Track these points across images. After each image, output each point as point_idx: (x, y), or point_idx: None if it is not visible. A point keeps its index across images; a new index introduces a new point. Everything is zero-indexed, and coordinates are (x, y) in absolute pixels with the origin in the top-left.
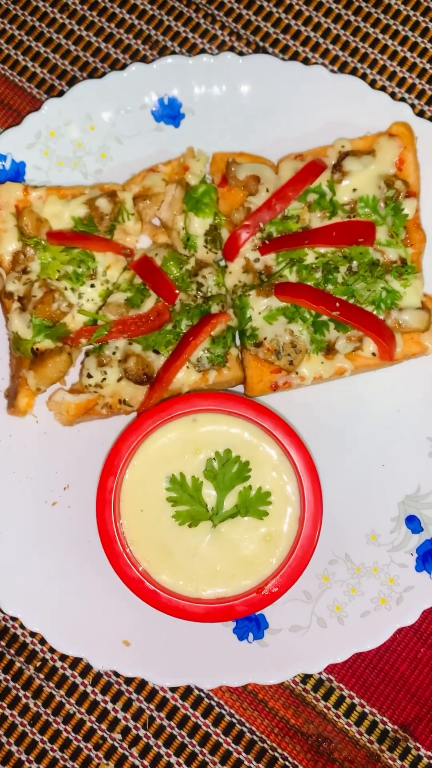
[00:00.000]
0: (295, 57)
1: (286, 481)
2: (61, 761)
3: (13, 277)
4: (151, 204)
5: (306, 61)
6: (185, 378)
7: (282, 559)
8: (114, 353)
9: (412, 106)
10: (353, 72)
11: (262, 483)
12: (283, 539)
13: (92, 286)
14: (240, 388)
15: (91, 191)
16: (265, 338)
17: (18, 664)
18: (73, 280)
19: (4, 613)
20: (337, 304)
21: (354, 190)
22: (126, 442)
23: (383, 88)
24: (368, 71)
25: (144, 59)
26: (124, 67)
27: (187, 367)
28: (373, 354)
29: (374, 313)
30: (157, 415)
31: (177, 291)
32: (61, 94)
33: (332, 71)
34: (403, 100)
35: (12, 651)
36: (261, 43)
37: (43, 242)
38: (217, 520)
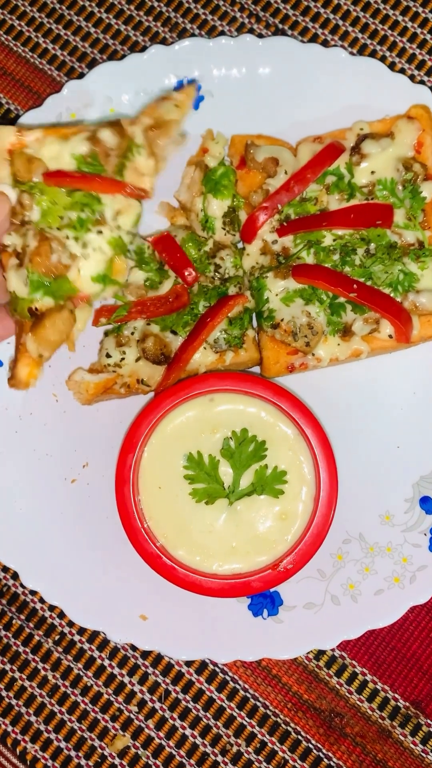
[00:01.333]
0: (314, 39)
1: (302, 460)
2: (79, 731)
3: (10, 230)
4: (161, 132)
5: (325, 44)
6: (202, 359)
7: (297, 537)
8: (132, 333)
9: None
10: (372, 54)
11: (278, 462)
12: (299, 518)
13: (99, 232)
14: (256, 370)
15: (94, 126)
16: (282, 320)
17: (37, 638)
18: (77, 228)
19: (24, 587)
20: (355, 286)
21: (372, 172)
22: (144, 421)
23: (402, 71)
24: (388, 54)
25: (164, 41)
26: (143, 49)
27: (204, 348)
28: (390, 336)
29: (391, 295)
30: (175, 395)
31: (192, 272)
32: (81, 76)
33: (351, 54)
34: (422, 82)
35: (31, 625)
36: (280, 26)
37: (39, 186)
38: (234, 498)
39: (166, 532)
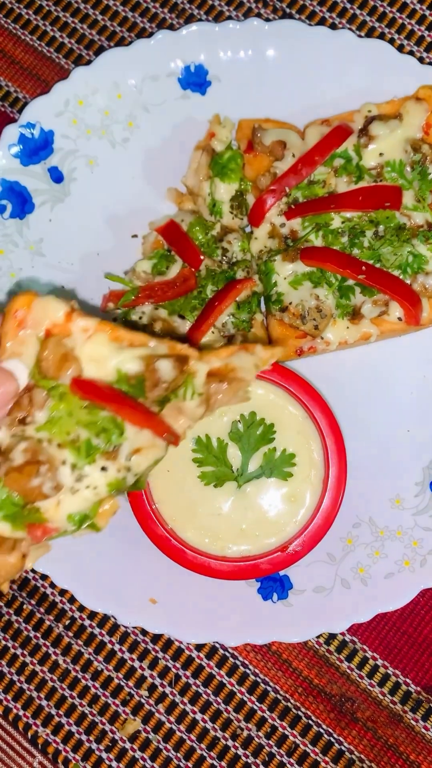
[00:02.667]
0: (322, 23)
1: (310, 443)
2: (90, 716)
3: (4, 423)
4: (227, 390)
5: (333, 27)
6: (210, 343)
7: (306, 519)
8: (141, 318)
9: None
10: (381, 37)
11: (286, 445)
12: (308, 500)
13: (104, 469)
14: None
15: (158, 345)
16: (290, 303)
17: (48, 623)
18: (81, 453)
19: (35, 572)
20: (364, 268)
21: (380, 154)
22: None
23: (411, 53)
24: (396, 36)
25: (171, 28)
26: (150, 35)
27: (212, 332)
28: (399, 319)
29: (400, 277)
30: None
31: (202, 257)
32: (89, 63)
33: (359, 36)
34: (431, 65)
35: (42, 610)
36: (287, 10)
37: (62, 389)
38: (242, 481)
39: (174, 514)
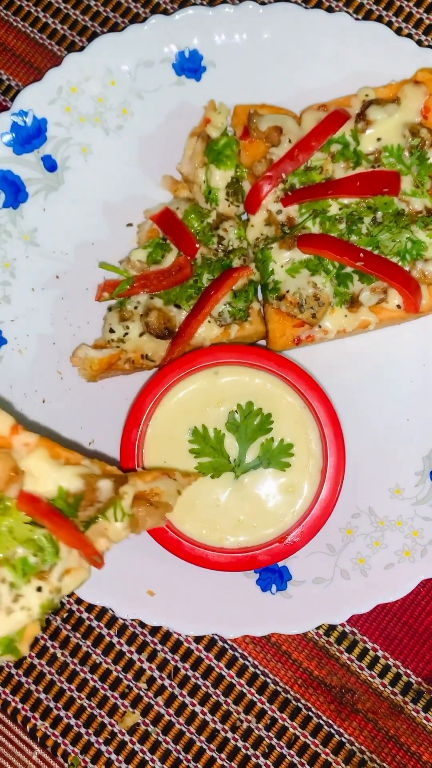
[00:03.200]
0: (318, 6)
1: (308, 432)
2: (89, 709)
3: None
4: (151, 512)
5: (330, 10)
6: (206, 332)
7: (304, 510)
8: (136, 308)
9: None
10: (378, 19)
11: (284, 435)
12: (306, 491)
13: (39, 589)
14: (262, 343)
15: (92, 465)
16: (287, 291)
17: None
18: (18, 571)
19: None
20: (362, 255)
21: (378, 139)
22: (149, 395)
23: (409, 36)
24: (394, 19)
25: (165, 12)
26: (144, 21)
27: (209, 322)
28: (398, 306)
29: (399, 264)
30: (180, 368)
31: (198, 245)
32: (82, 49)
33: (356, 19)
34: (430, 47)
35: None
36: None
37: (6, 502)
38: (240, 472)
39: None
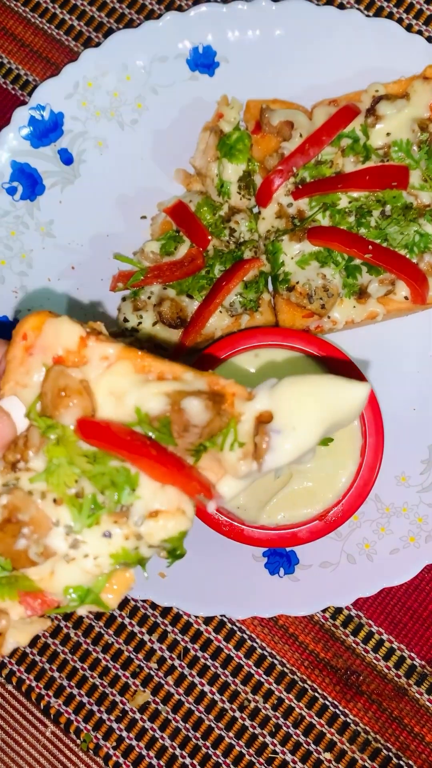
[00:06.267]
0: (329, 3)
1: None
2: (101, 687)
3: None
4: (277, 440)
5: (341, 7)
6: (218, 322)
7: (345, 488)
8: (149, 298)
9: None
10: (389, 17)
11: None
12: (347, 469)
13: (106, 535)
14: None
15: (194, 379)
16: (297, 282)
17: None
18: (82, 512)
19: None
20: (370, 247)
21: (388, 134)
22: None
23: (419, 32)
24: (404, 15)
25: (179, 9)
26: (159, 17)
27: (220, 312)
28: (406, 297)
29: (407, 256)
30: (221, 350)
31: (210, 237)
32: (98, 45)
33: (367, 16)
34: None
35: None
36: None
37: (60, 431)
38: None
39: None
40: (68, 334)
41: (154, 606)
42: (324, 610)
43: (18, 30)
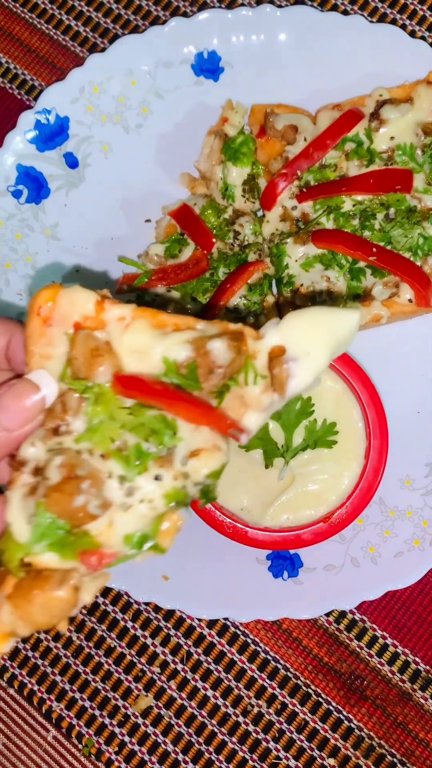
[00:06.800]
0: (334, 9)
1: (351, 414)
2: (103, 691)
3: (36, 437)
4: (295, 366)
5: (345, 13)
6: None
7: (349, 490)
8: (154, 300)
9: None
10: (392, 22)
11: (326, 416)
12: (351, 471)
13: (157, 478)
14: None
15: (207, 327)
16: (301, 285)
17: None
18: (130, 462)
19: None
20: (374, 250)
21: (391, 138)
22: None
23: (423, 38)
24: (408, 22)
25: (184, 15)
26: (164, 23)
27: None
28: (410, 300)
29: (411, 259)
30: None
31: (214, 240)
32: (103, 50)
33: (371, 21)
34: None
35: None
36: None
37: (98, 389)
38: (289, 457)
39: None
40: (83, 301)
41: (157, 609)
42: (328, 614)
43: (24, 35)
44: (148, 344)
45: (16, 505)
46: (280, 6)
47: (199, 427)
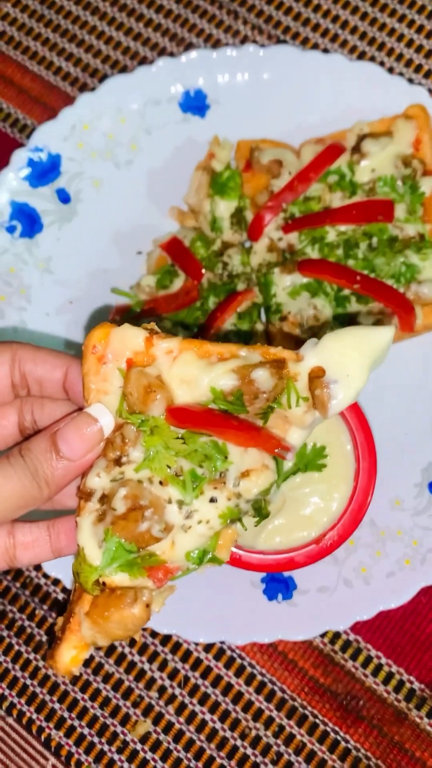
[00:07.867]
0: (315, 48)
1: (340, 438)
2: (101, 718)
3: (100, 468)
4: (336, 388)
5: (326, 52)
6: None
7: (340, 512)
8: None
9: (430, 90)
10: (371, 60)
11: (315, 439)
12: (341, 493)
13: (212, 500)
14: None
15: (249, 353)
16: (289, 312)
17: None
18: (187, 487)
19: (47, 576)
20: (358, 278)
21: (373, 170)
22: None
23: (400, 74)
24: (386, 59)
25: (171, 55)
26: (152, 63)
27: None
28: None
29: (394, 286)
30: None
31: (204, 270)
32: (93, 90)
33: (350, 59)
34: (419, 85)
35: (54, 614)
36: (282, 36)
37: (152, 422)
38: (280, 481)
39: None
40: (133, 337)
41: (154, 634)
42: (323, 635)
43: (17, 77)
44: (196, 375)
45: (87, 531)
46: (263, 46)
47: (247, 449)
